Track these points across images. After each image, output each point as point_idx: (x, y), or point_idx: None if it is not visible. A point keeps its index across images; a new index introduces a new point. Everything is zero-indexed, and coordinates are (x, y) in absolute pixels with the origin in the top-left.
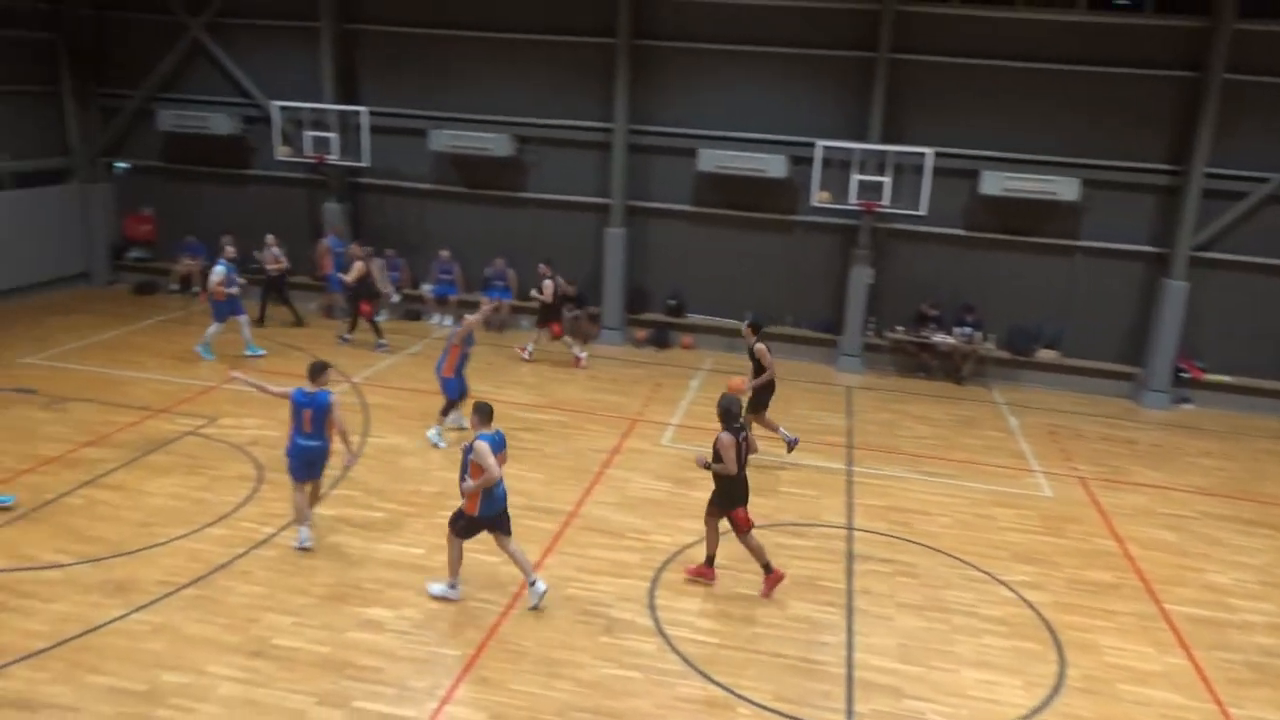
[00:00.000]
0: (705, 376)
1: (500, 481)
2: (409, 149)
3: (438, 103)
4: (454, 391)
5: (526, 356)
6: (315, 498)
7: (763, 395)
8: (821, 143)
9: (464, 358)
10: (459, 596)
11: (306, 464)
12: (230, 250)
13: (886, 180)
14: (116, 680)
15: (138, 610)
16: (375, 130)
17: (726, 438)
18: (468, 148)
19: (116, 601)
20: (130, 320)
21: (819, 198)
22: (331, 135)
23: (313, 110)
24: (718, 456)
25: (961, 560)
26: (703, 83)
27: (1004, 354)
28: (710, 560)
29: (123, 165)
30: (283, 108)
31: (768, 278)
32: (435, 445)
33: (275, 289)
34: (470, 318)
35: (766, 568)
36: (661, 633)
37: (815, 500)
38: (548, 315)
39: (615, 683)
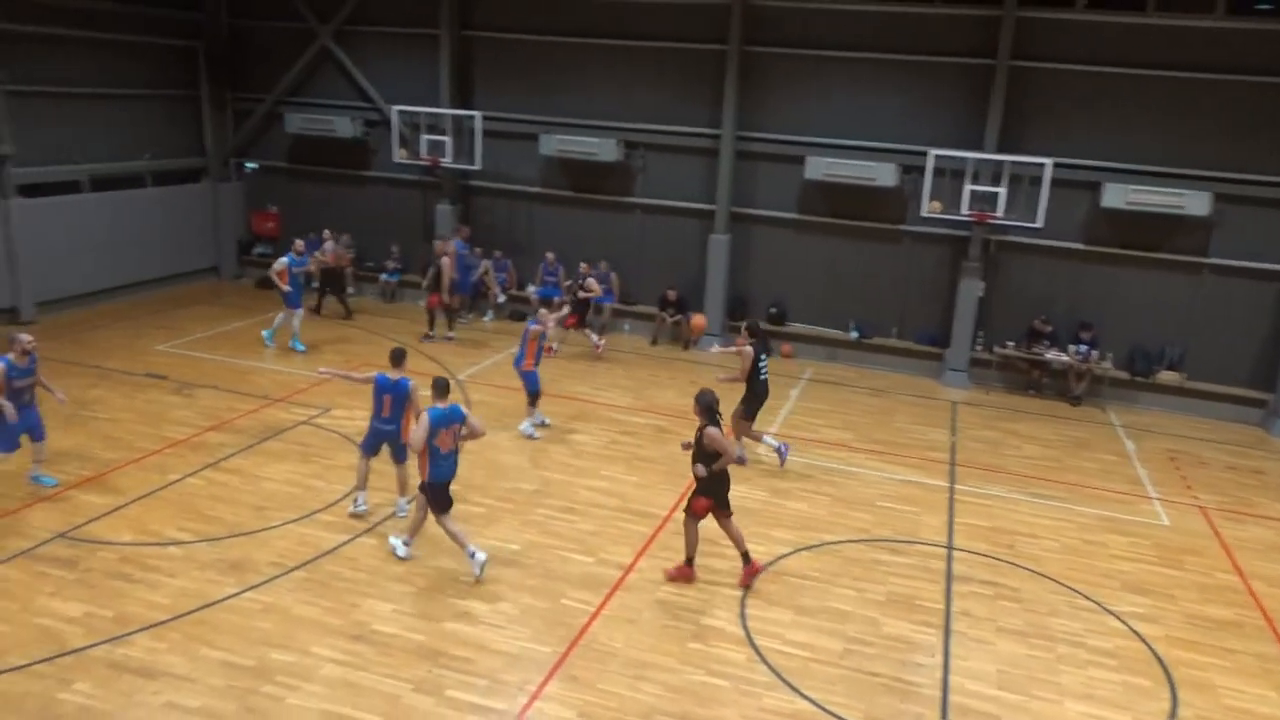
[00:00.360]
0: (805, 386)
1: (453, 455)
2: (519, 153)
3: (548, 107)
4: (538, 383)
5: (599, 346)
6: (404, 485)
7: (750, 404)
8: (934, 151)
9: (541, 350)
10: (484, 561)
11: (376, 445)
12: (300, 244)
13: (1001, 191)
14: (228, 655)
15: (250, 589)
16: (487, 134)
17: (714, 431)
18: (576, 152)
19: (231, 579)
20: (254, 313)
21: (930, 208)
22: (446, 139)
23: (429, 115)
24: (711, 455)
25: (1069, 587)
26: (813, 89)
27: (1122, 374)
28: (745, 556)
29: (251, 165)
30: (401, 112)
31: (873, 288)
32: (530, 437)
33: (328, 282)
34: (549, 316)
35: (689, 561)
36: (751, 642)
37: (915, 517)
38: (578, 308)
39: (703, 689)
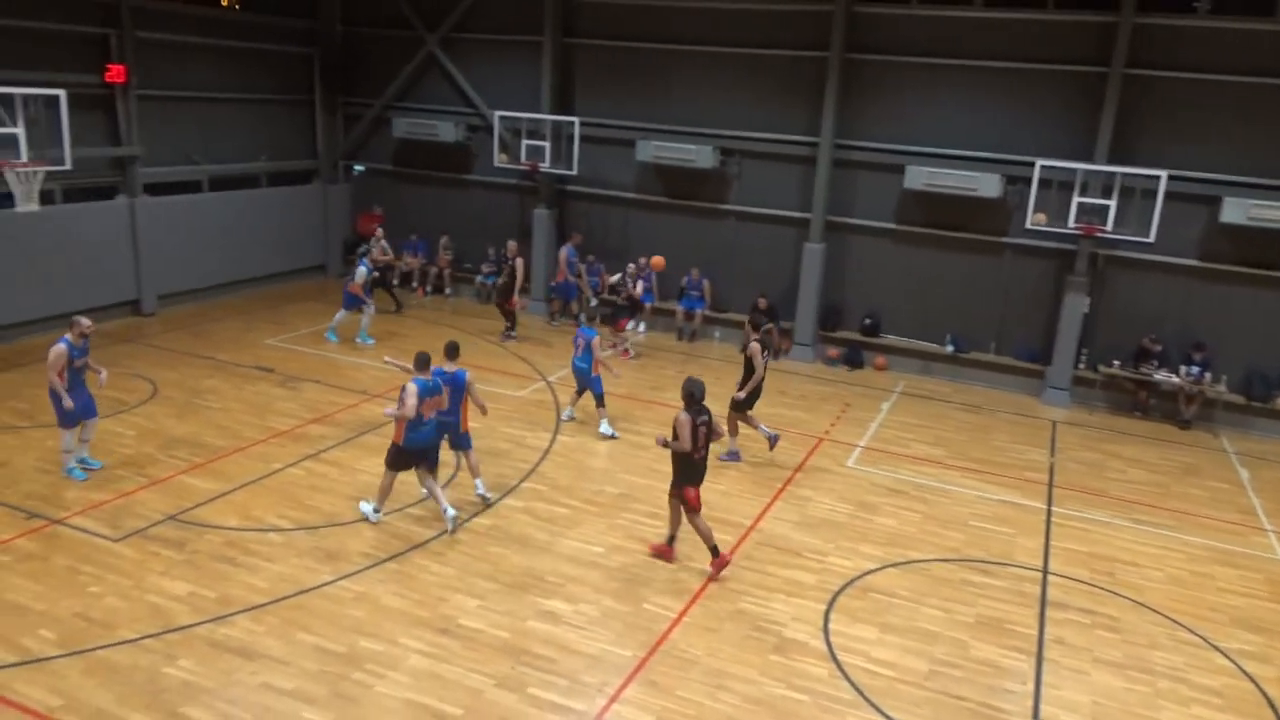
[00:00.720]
0: (898, 400)
1: (430, 421)
2: (616, 158)
3: (646, 114)
4: (600, 384)
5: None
6: (475, 469)
7: (749, 395)
8: (1041, 162)
9: (589, 354)
10: (378, 520)
11: (440, 435)
12: (375, 252)
13: (1111, 204)
14: (321, 640)
15: (344, 578)
16: (585, 140)
17: (684, 417)
18: (672, 158)
19: (326, 568)
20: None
21: (1034, 220)
22: (545, 144)
23: (530, 120)
24: (676, 435)
25: (1172, 619)
26: (915, 98)
27: (1237, 398)
28: (671, 540)
29: (359, 167)
30: (503, 117)
31: (972, 301)
32: (612, 437)
33: (382, 279)
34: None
35: (714, 550)
36: (834, 658)
37: (1009, 539)
38: (626, 311)
39: (782, 703)
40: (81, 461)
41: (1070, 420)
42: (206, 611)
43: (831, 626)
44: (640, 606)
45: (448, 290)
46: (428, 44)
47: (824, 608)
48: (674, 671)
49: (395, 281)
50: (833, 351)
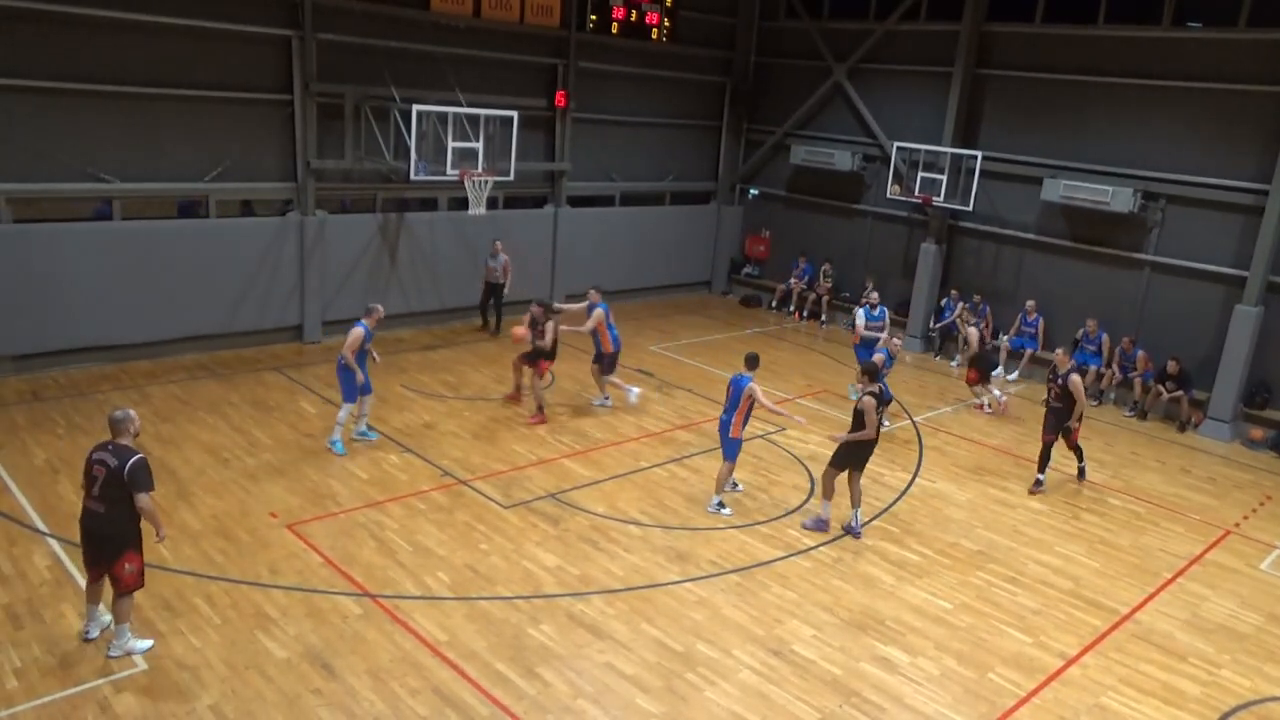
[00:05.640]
0: None
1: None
2: (1017, 196)
3: (1057, 150)
4: (736, 453)
5: (1002, 405)
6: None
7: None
8: None
9: (750, 415)
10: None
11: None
12: (874, 296)
13: None
14: (662, 635)
15: (690, 580)
16: (985, 175)
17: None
18: (1083, 200)
19: (675, 567)
20: (734, 327)
21: None
22: (942, 177)
23: (929, 152)
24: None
25: None
26: None
27: None
28: (516, 388)
29: (754, 191)
30: (900, 148)
31: None
32: (720, 511)
33: (494, 294)
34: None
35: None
36: None
37: None
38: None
39: None
40: (361, 434)
41: None
42: (569, 586)
43: None
44: (985, 675)
45: (823, 318)
46: (835, 74)
47: None
48: None
49: (774, 304)
50: (1256, 433)
